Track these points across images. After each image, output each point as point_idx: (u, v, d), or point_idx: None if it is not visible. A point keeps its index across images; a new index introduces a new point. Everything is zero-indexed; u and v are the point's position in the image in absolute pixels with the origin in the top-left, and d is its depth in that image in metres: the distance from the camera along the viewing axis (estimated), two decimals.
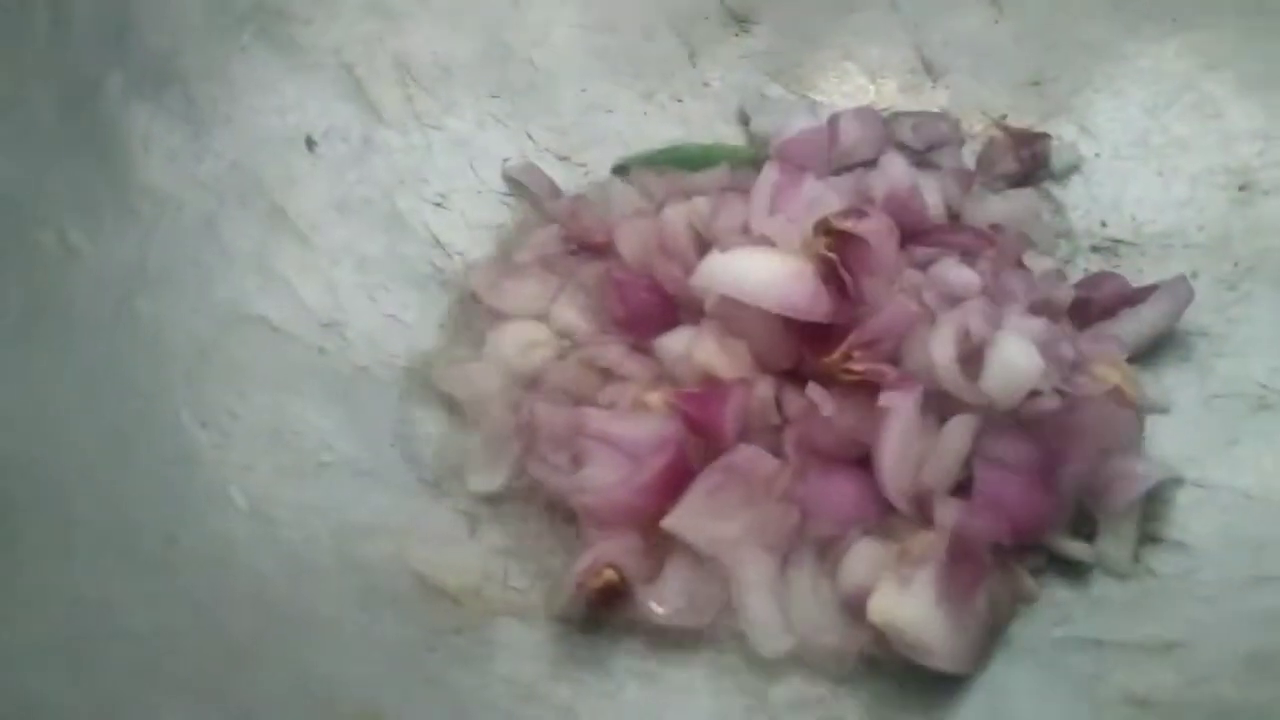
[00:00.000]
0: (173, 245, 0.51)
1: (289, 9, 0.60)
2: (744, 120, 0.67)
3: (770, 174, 0.57)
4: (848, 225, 0.52)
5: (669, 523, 0.48)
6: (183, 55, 0.55)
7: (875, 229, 0.54)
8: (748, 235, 0.56)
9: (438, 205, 0.62)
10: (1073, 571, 0.49)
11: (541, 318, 0.58)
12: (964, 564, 0.46)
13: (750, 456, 0.50)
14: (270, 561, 0.45)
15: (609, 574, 0.46)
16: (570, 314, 0.58)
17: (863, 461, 0.51)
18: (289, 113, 0.58)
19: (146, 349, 0.48)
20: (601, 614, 0.46)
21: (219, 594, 0.42)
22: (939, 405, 0.51)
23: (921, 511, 0.49)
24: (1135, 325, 0.55)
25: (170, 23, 0.55)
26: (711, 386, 0.53)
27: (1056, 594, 0.49)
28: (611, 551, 0.47)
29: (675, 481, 0.50)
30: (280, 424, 0.50)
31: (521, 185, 0.64)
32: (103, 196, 0.49)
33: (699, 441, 0.51)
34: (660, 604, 0.47)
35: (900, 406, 0.49)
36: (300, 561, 0.46)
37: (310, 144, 0.59)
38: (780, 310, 0.51)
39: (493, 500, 0.52)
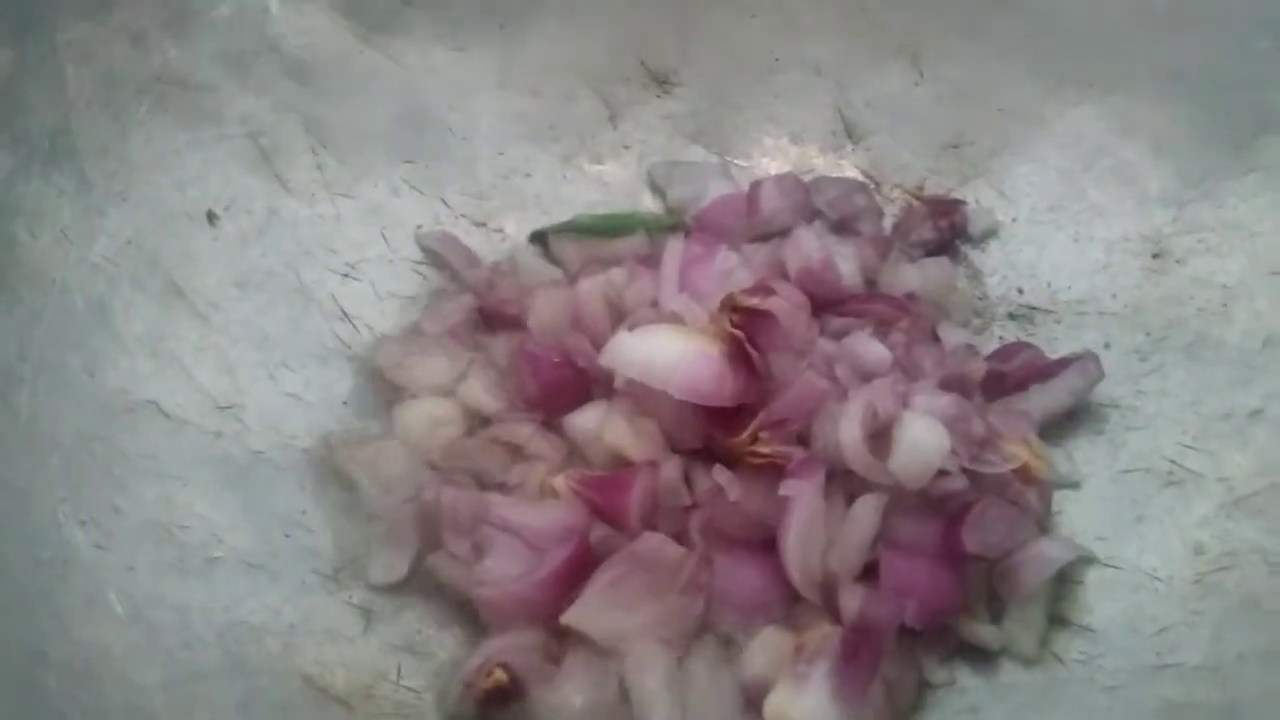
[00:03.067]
0: (58, 332, 0.49)
1: (192, 78, 0.58)
2: (657, 190, 0.66)
3: (678, 247, 0.57)
4: (754, 303, 0.51)
5: (568, 618, 0.47)
6: (74, 131, 0.53)
7: (784, 305, 0.54)
8: (658, 310, 0.55)
9: (346, 276, 0.60)
10: (981, 657, 0.49)
11: (449, 394, 0.57)
12: (862, 655, 0.45)
13: (654, 546, 0.49)
14: (149, 671, 0.43)
15: (499, 675, 0.44)
16: (479, 390, 0.57)
17: (772, 544, 0.50)
18: (189, 186, 0.57)
19: (23, 444, 0.46)
20: (494, 713, 0.45)
21: (91, 710, 0.41)
22: (845, 485, 0.50)
23: (829, 598, 0.48)
24: (1045, 400, 0.55)
25: (62, 98, 0.53)
26: (620, 468, 0.52)
27: (965, 681, 0.48)
28: (504, 650, 0.46)
29: (577, 573, 0.49)
30: (167, 518, 0.48)
31: (437, 254, 0.63)
32: None
33: (604, 528, 0.51)
34: (557, 703, 0.46)
35: (801, 495, 0.48)
36: (181, 668, 0.44)
37: (211, 218, 0.57)
38: (684, 396, 0.50)
39: (392, 591, 0.50)
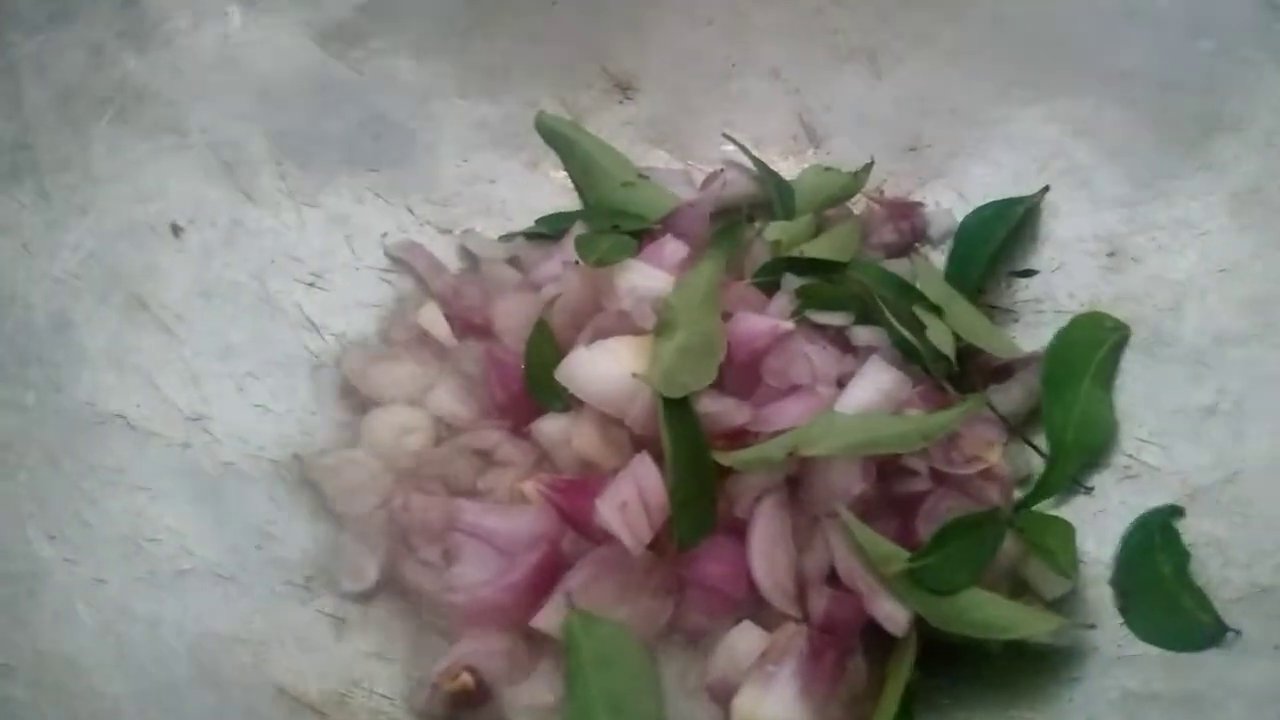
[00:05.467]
0: (21, 347, 0.49)
1: (151, 90, 0.58)
2: None
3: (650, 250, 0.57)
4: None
5: (538, 621, 0.48)
6: (33, 146, 0.53)
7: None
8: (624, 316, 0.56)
9: (311, 285, 0.60)
10: (943, 655, 0.49)
11: (417, 402, 0.57)
12: (828, 654, 0.46)
13: (623, 548, 0.49)
14: (119, 683, 0.43)
15: (464, 678, 0.45)
16: (447, 398, 0.57)
17: (741, 536, 0.50)
18: (151, 199, 0.57)
19: None
20: (462, 715, 0.45)
21: None
22: (809, 489, 0.51)
23: (797, 604, 0.49)
24: (1003, 399, 0.56)
25: (19, 113, 0.53)
26: (589, 473, 0.52)
27: (927, 680, 0.49)
28: (472, 654, 0.46)
29: (547, 578, 0.49)
30: (136, 530, 0.48)
31: (403, 262, 0.63)
32: None
33: (574, 533, 0.51)
34: (528, 703, 0.46)
35: (764, 507, 0.49)
36: (152, 681, 0.44)
37: (175, 230, 0.57)
38: (639, 431, 0.50)
39: (362, 600, 0.51)
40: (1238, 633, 0.46)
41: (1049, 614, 0.48)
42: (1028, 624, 0.47)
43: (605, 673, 0.46)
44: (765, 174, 0.65)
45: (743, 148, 0.65)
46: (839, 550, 0.49)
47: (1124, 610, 0.49)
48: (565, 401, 0.54)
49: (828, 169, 0.65)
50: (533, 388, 0.55)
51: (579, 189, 0.66)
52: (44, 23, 0.54)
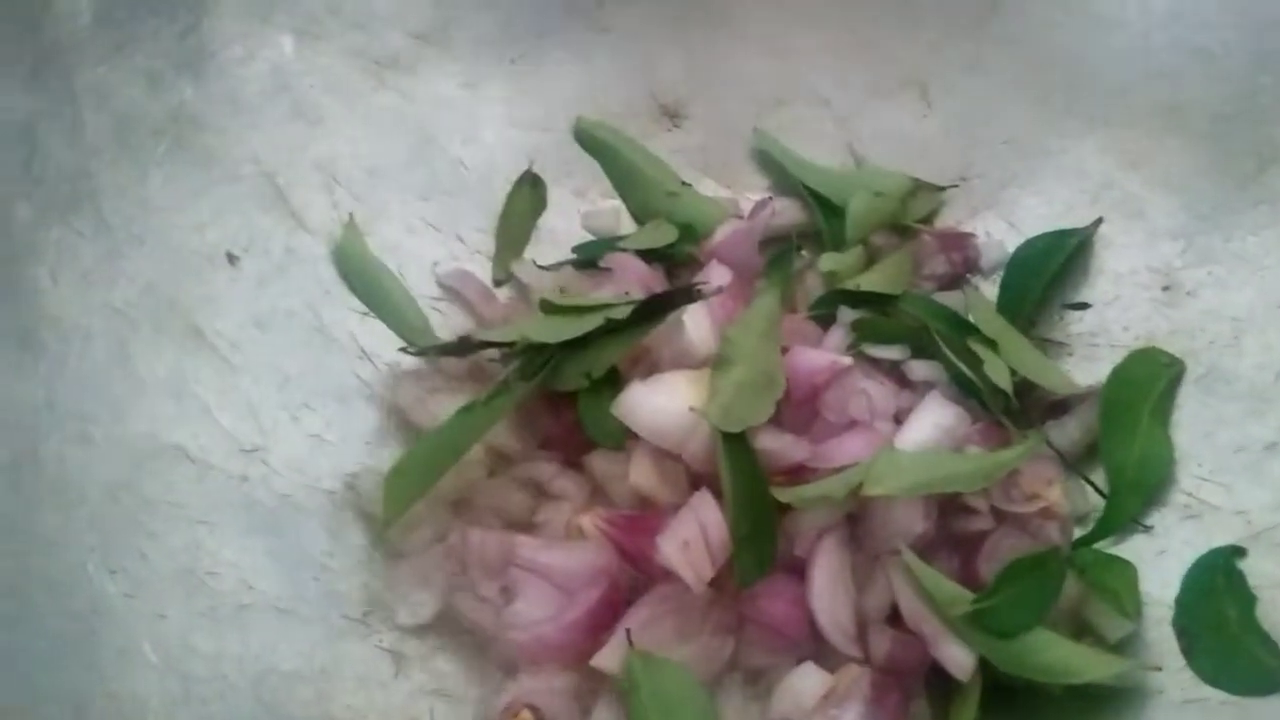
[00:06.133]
0: (81, 379, 0.49)
1: (205, 119, 0.58)
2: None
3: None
4: None
5: (599, 660, 0.47)
6: (93, 175, 0.53)
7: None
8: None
9: (365, 315, 0.60)
10: (1004, 698, 0.49)
11: None
12: (891, 696, 0.46)
13: (684, 586, 0.49)
14: None
15: (525, 715, 0.45)
16: (501, 429, 0.57)
17: (801, 573, 0.50)
18: (207, 228, 0.57)
19: (51, 496, 0.46)
20: None
21: None
22: (869, 529, 0.51)
23: (858, 644, 0.49)
24: (1059, 435, 0.55)
25: (80, 142, 0.53)
26: (644, 508, 0.52)
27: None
28: (533, 691, 0.46)
29: (607, 615, 0.49)
30: (196, 564, 0.48)
31: (455, 291, 0.63)
32: (6, 334, 0.48)
33: (633, 569, 0.51)
34: None
35: (824, 547, 0.48)
36: (218, 718, 0.44)
37: (231, 259, 0.57)
38: (696, 467, 0.51)
39: (420, 633, 0.50)
40: None
41: (1114, 657, 0.47)
42: (1093, 668, 0.46)
43: (665, 713, 0.46)
44: (815, 201, 0.65)
45: (790, 173, 0.65)
46: (902, 591, 0.48)
47: (1188, 653, 0.48)
48: (620, 438, 0.54)
49: (878, 194, 0.65)
50: (587, 423, 0.55)
51: (622, 196, 0.66)
52: (103, 54, 0.54)
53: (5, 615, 0.42)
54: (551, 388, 0.55)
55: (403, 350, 0.59)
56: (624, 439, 0.53)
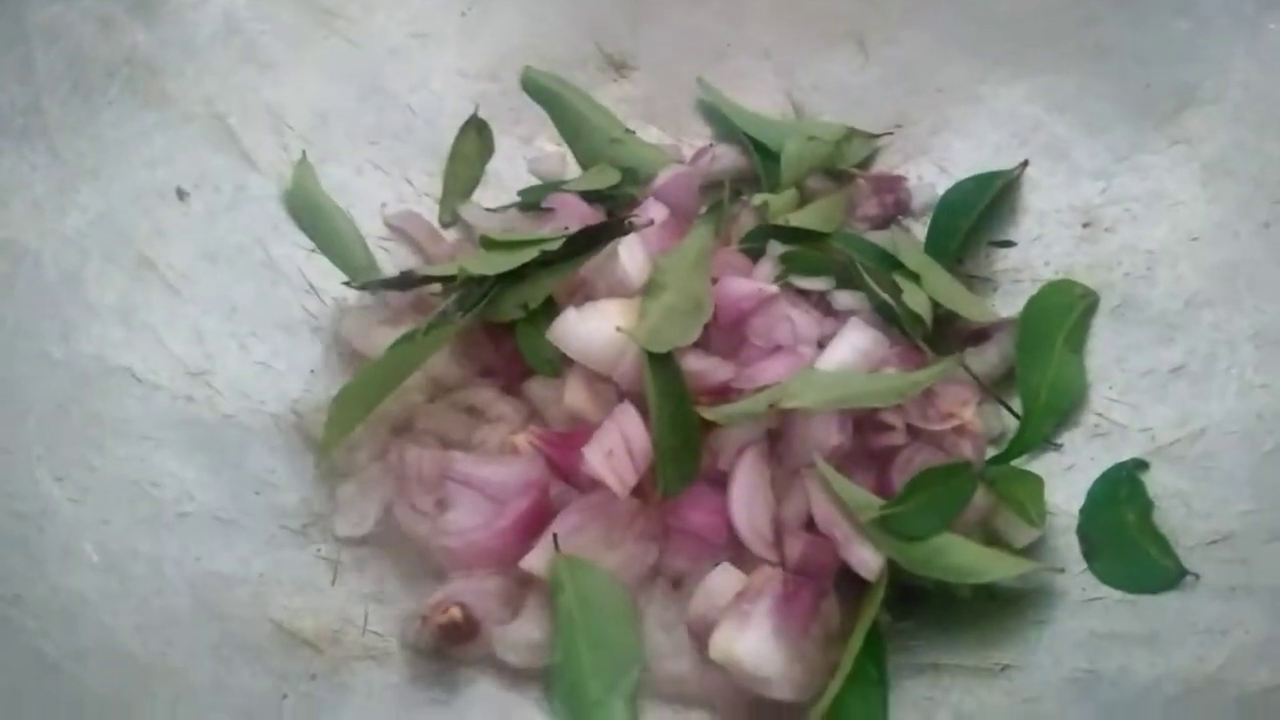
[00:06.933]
0: (31, 299, 0.51)
1: (158, 62, 0.60)
2: None
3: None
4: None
5: (527, 562, 0.50)
6: (45, 110, 0.55)
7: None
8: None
9: (312, 251, 0.62)
10: (916, 599, 0.51)
11: None
12: (802, 595, 0.48)
13: (610, 495, 0.51)
14: (123, 616, 0.45)
15: (454, 612, 0.47)
16: (443, 359, 0.59)
17: (722, 482, 0.52)
18: (159, 165, 0.59)
19: (1, 405, 0.48)
20: (451, 650, 0.47)
21: (67, 650, 0.43)
22: (788, 439, 0.53)
23: (774, 550, 0.51)
24: (978, 362, 0.58)
25: (32, 76, 0.55)
26: (579, 427, 0.54)
27: (899, 623, 0.51)
28: (463, 590, 0.48)
29: (536, 523, 0.51)
30: (140, 475, 0.50)
31: (402, 231, 0.65)
32: None
33: (563, 482, 0.53)
34: (516, 639, 0.48)
35: (744, 460, 0.50)
36: (155, 614, 0.46)
37: (181, 195, 0.59)
38: (626, 386, 0.53)
39: (356, 546, 0.52)
40: (1196, 576, 0.48)
41: (1018, 559, 0.50)
42: (997, 568, 0.49)
43: (589, 612, 0.48)
44: (754, 146, 0.67)
45: (720, 107, 0.67)
46: (816, 498, 0.50)
47: (1088, 556, 0.51)
48: (556, 365, 0.56)
49: (811, 138, 0.67)
50: (525, 351, 0.57)
51: (569, 143, 0.68)
52: None
53: None
54: (490, 319, 0.57)
55: (346, 285, 0.61)
56: (560, 366, 0.56)
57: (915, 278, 0.59)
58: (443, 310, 0.57)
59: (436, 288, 0.60)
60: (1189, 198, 0.60)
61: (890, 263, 0.60)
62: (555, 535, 0.50)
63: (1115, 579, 0.50)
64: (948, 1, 0.68)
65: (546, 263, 0.57)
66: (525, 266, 0.57)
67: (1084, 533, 0.52)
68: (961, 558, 0.49)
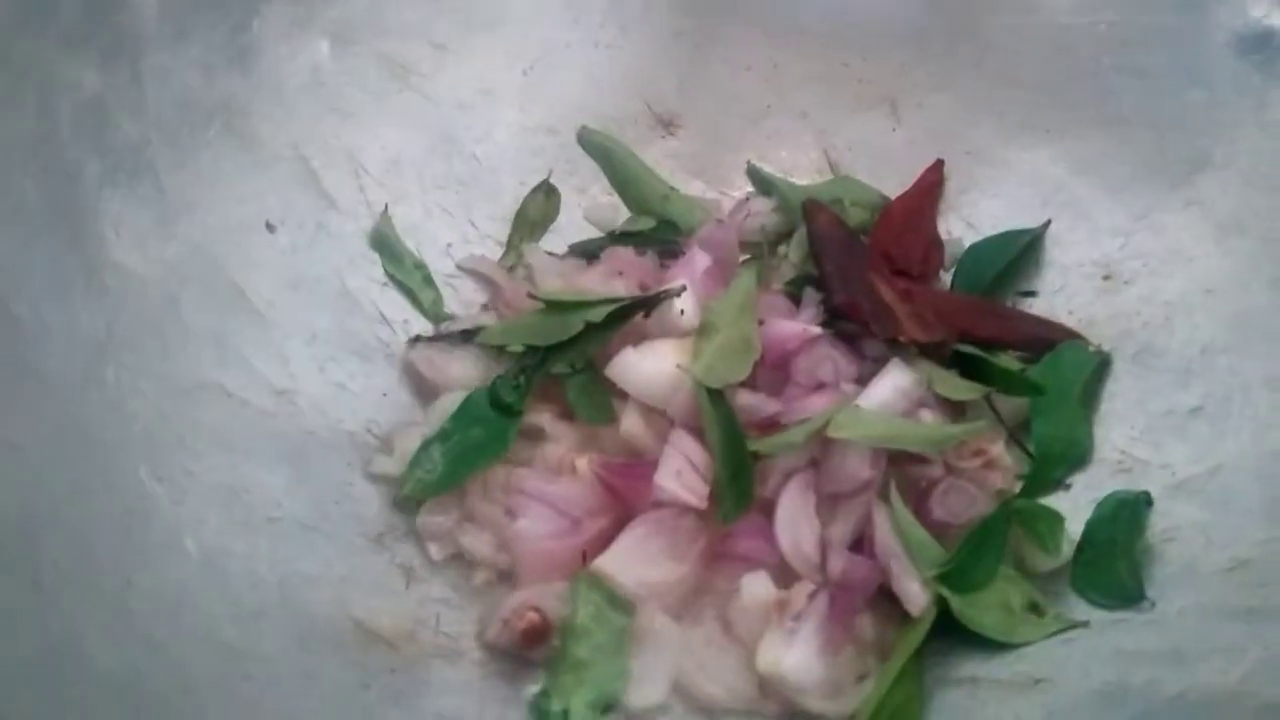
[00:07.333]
0: (137, 319, 0.56)
1: (251, 106, 0.65)
2: None
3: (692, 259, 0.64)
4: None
5: (600, 563, 0.53)
6: (155, 147, 0.60)
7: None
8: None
9: (385, 285, 0.67)
10: (953, 617, 0.54)
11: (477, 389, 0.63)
12: (843, 612, 0.51)
13: (674, 513, 0.55)
14: (220, 606, 0.49)
15: (532, 616, 0.50)
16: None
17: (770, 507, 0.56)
18: (249, 201, 0.64)
19: (110, 411, 0.52)
20: (527, 651, 0.51)
21: (173, 634, 0.46)
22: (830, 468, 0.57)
23: (819, 571, 0.54)
24: (1008, 405, 0.61)
25: (145, 117, 0.60)
26: (634, 459, 0.58)
27: (938, 640, 0.54)
28: (538, 595, 0.52)
29: (607, 540, 0.55)
30: (232, 482, 0.54)
31: (473, 271, 0.70)
32: (74, 274, 0.54)
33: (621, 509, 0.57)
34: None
35: (786, 492, 0.55)
36: (248, 606, 0.50)
37: (270, 228, 0.64)
38: (682, 422, 0.57)
39: (431, 559, 0.56)
40: (1153, 603, 0.52)
41: (1045, 622, 0.53)
42: (1025, 633, 0.53)
43: (591, 631, 0.52)
44: (789, 201, 0.72)
45: (768, 176, 0.73)
46: (880, 527, 0.54)
47: (1073, 561, 0.55)
48: (605, 414, 0.59)
49: (853, 204, 0.72)
50: (575, 405, 0.60)
51: (620, 194, 0.73)
52: (169, 42, 0.61)
53: (71, 499, 0.48)
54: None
55: (417, 339, 0.65)
56: (609, 415, 0.60)
57: None
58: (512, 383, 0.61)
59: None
60: (1203, 254, 0.64)
61: None
62: (585, 554, 0.53)
63: (1080, 585, 0.54)
64: (976, 70, 0.74)
65: (591, 330, 0.61)
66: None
67: (1082, 541, 0.56)
68: (997, 618, 0.53)
